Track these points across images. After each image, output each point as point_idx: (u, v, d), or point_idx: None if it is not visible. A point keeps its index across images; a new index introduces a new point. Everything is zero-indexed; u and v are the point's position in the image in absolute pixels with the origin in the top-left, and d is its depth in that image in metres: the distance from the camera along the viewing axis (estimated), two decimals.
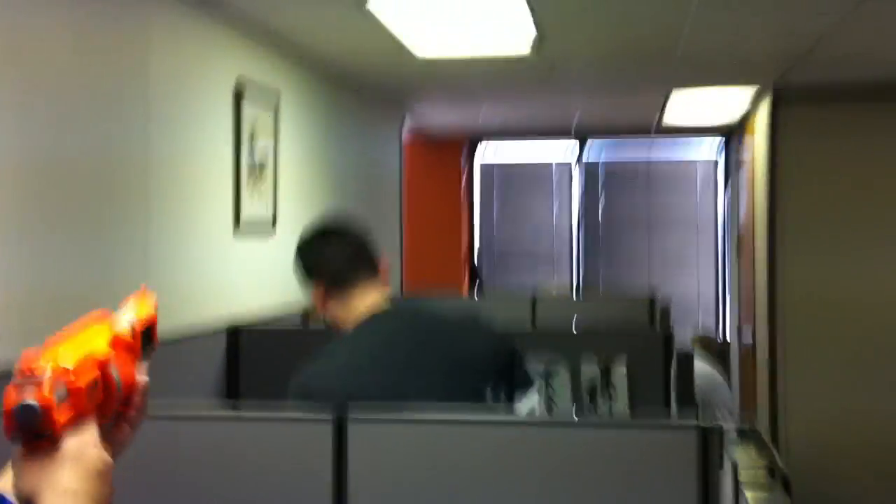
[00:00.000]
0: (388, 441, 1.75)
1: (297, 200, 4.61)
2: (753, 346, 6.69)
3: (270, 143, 4.21)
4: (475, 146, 8.57)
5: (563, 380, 3.41)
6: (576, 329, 3.77)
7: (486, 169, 8.72)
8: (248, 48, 4.01)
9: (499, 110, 7.00)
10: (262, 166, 4.10)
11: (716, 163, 8.46)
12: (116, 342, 0.98)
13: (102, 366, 0.94)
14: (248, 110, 3.88)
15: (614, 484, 1.73)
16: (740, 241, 7.49)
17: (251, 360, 3.53)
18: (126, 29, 3.03)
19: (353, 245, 2.40)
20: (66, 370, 0.90)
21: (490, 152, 8.63)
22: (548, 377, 3.41)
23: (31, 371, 0.88)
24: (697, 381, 4.63)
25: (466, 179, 8.54)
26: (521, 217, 8.69)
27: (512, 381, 2.28)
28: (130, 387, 0.99)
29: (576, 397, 3.40)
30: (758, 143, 6.45)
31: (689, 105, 6.73)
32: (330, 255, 2.38)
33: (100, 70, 2.87)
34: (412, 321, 2.32)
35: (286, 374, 2.33)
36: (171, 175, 3.33)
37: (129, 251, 3.02)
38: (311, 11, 3.81)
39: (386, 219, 6.50)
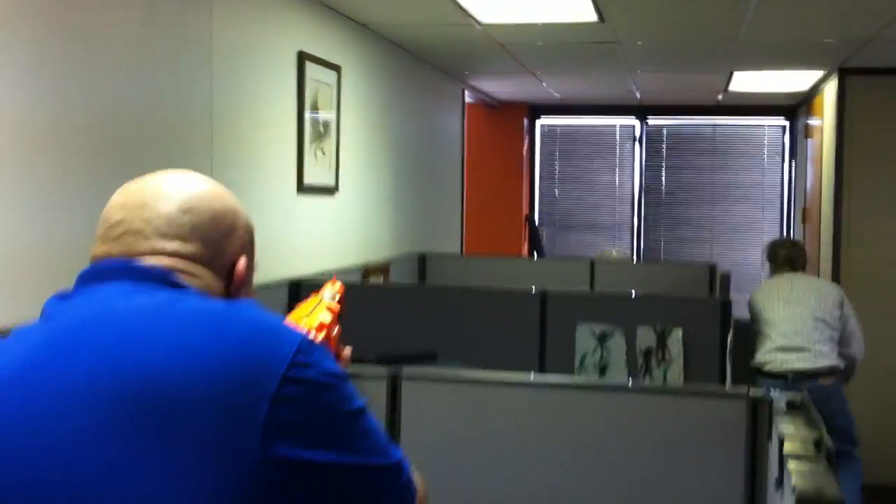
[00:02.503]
0: (440, 399, 1.79)
1: (358, 166, 4.65)
2: None
3: (333, 114, 4.24)
4: (537, 115, 8.54)
5: (618, 344, 3.42)
6: (634, 294, 3.76)
7: (549, 130, 8.67)
8: (309, 23, 4.01)
9: (560, 82, 6.93)
10: (324, 135, 4.14)
11: (783, 127, 8.31)
12: (332, 311, 1.53)
13: (329, 328, 1.49)
14: (309, 85, 3.92)
15: (663, 449, 1.74)
16: (806, 212, 7.41)
17: None
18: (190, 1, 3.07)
19: None
20: (311, 330, 1.45)
21: (554, 116, 8.57)
22: (603, 340, 3.42)
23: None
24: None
25: (528, 144, 8.51)
26: (583, 181, 8.63)
27: None
28: (338, 338, 1.54)
29: (630, 362, 3.40)
30: (825, 120, 6.40)
31: (753, 84, 6.65)
32: None
33: (166, 41, 2.92)
34: None
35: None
36: (235, 140, 3.38)
37: None
38: None
39: (447, 184, 6.53)
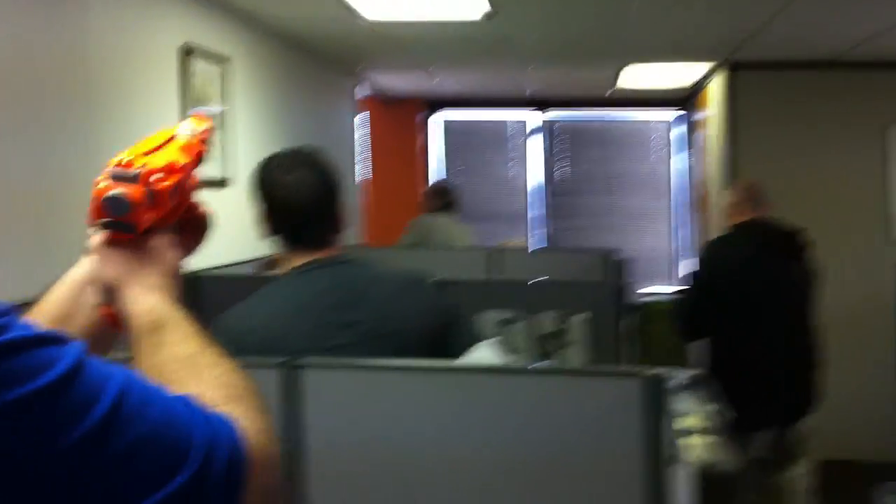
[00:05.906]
0: (344, 388, 1.75)
1: (250, 158, 4.55)
2: None
3: (221, 106, 4.14)
4: (433, 109, 8.54)
5: (518, 330, 3.43)
6: (533, 281, 3.77)
7: (446, 124, 8.68)
8: (195, 14, 3.90)
9: (453, 77, 6.95)
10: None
11: (679, 118, 8.50)
12: (188, 148, 1.04)
13: (181, 172, 1.01)
14: (195, 77, 3.82)
15: (561, 430, 1.75)
16: (700, 201, 7.58)
17: (211, 307, 3.50)
18: None
19: (317, 206, 2.25)
20: (155, 171, 0.97)
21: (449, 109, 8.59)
22: (504, 327, 3.43)
23: (128, 165, 0.95)
24: None
25: (425, 138, 8.50)
26: (481, 174, 8.67)
27: (447, 353, 2.14)
28: (195, 190, 1.08)
29: (531, 348, 3.42)
30: (714, 111, 6.57)
31: (645, 77, 6.79)
32: (292, 211, 2.21)
33: (39, 37, 2.80)
34: (348, 276, 2.15)
35: None
36: (115, 133, 3.27)
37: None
38: None
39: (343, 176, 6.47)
